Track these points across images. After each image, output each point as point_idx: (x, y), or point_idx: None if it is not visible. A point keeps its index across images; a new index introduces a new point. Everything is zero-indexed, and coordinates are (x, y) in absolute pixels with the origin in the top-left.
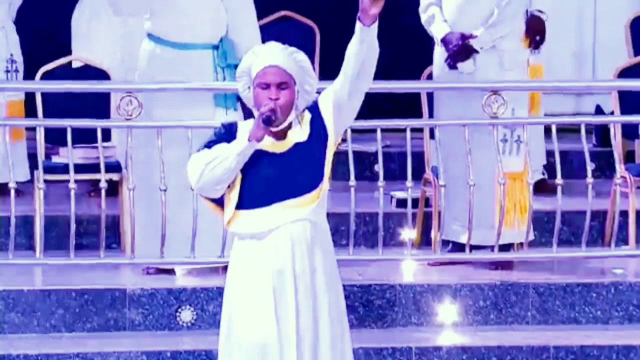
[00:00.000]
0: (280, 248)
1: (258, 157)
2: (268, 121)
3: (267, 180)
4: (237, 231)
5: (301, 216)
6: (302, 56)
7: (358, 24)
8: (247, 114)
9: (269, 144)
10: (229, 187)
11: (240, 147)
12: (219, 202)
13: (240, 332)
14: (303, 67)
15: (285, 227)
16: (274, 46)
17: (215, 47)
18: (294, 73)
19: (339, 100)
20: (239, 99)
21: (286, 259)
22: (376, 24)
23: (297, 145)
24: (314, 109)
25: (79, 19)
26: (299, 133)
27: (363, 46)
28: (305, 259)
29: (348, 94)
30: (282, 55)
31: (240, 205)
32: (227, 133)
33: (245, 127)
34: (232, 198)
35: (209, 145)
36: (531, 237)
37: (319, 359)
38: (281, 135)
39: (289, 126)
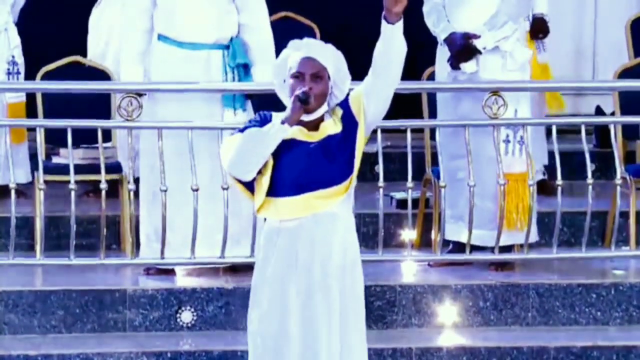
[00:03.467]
0: (307, 238)
1: (291, 146)
2: (304, 98)
3: (299, 170)
4: (267, 218)
5: (330, 208)
6: (338, 54)
7: (383, 22)
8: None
9: (302, 133)
10: (260, 172)
11: (273, 129)
12: (251, 188)
13: (260, 320)
14: (338, 65)
15: (314, 217)
16: (311, 40)
17: (226, 47)
18: (329, 68)
19: (368, 97)
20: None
21: (312, 249)
22: (401, 22)
23: (329, 137)
24: (344, 105)
25: (96, 14)
26: (332, 126)
27: (388, 44)
28: (331, 250)
29: (376, 92)
30: (319, 50)
31: (271, 193)
32: (262, 121)
33: (279, 118)
34: (264, 184)
35: (242, 130)
36: (535, 238)
37: (339, 351)
38: (313, 127)
39: (321, 119)
